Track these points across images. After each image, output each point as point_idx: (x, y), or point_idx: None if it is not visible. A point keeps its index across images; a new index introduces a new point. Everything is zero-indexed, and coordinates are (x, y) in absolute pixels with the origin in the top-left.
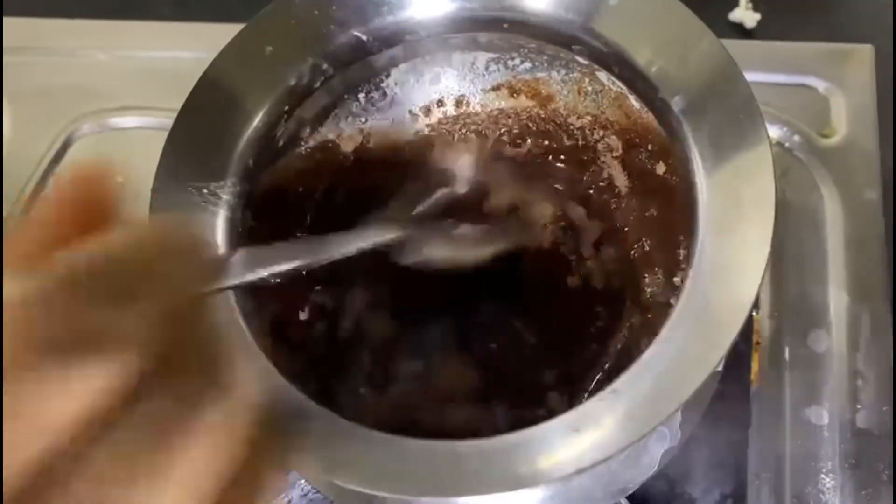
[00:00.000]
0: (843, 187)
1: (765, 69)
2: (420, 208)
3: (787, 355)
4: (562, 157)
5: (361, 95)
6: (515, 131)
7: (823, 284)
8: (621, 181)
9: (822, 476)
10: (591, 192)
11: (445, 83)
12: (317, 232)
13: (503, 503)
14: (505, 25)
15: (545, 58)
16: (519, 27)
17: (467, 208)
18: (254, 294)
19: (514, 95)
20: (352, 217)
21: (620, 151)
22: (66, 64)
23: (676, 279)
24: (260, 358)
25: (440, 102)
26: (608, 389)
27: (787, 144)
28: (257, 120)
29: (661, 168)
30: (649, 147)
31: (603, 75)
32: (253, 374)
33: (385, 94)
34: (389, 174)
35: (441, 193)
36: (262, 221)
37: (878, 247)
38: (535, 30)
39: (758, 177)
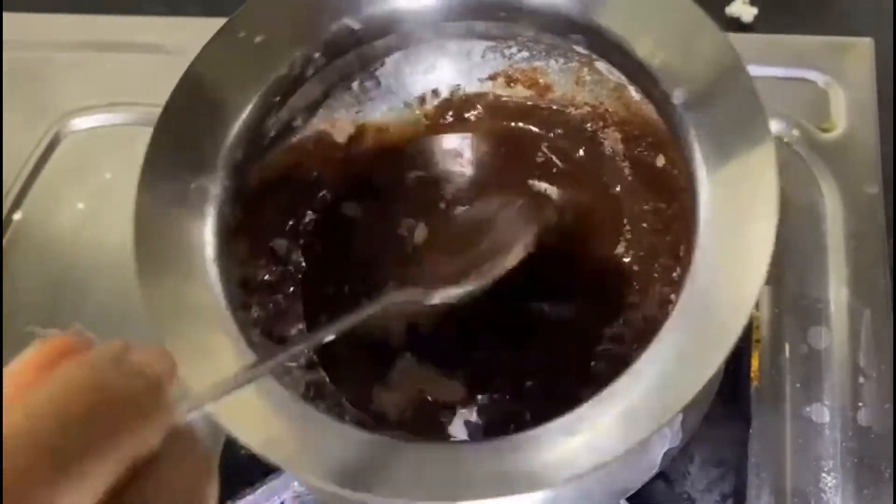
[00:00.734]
0: (843, 181)
1: (763, 63)
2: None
3: (787, 353)
4: (560, 147)
5: (355, 85)
6: (511, 121)
7: (823, 280)
8: (621, 174)
9: (824, 474)
10: (589, 185)
11: (440, 72)
12: (307, 223)
13: None
14: (502, 14)
15: (543, 47)
16: (516, 15)
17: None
18: (246, 292)
19: (511, 84)
20: (343, 209)
21: (620, 144)
22: (55, 60)
23: (676, 276)
24: (251, 355)
25: (435, 92)
26: (608, 391)
27: (786, 139)
28: (246, 111)
29: (661, 161)
30: (649, 140)
31: (602, 65)
32: None
33: (379, 83)
34: (382, 165)
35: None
36: (251, 214)
37: (878, 241)
38: (533, 18)
39: (761, 173)
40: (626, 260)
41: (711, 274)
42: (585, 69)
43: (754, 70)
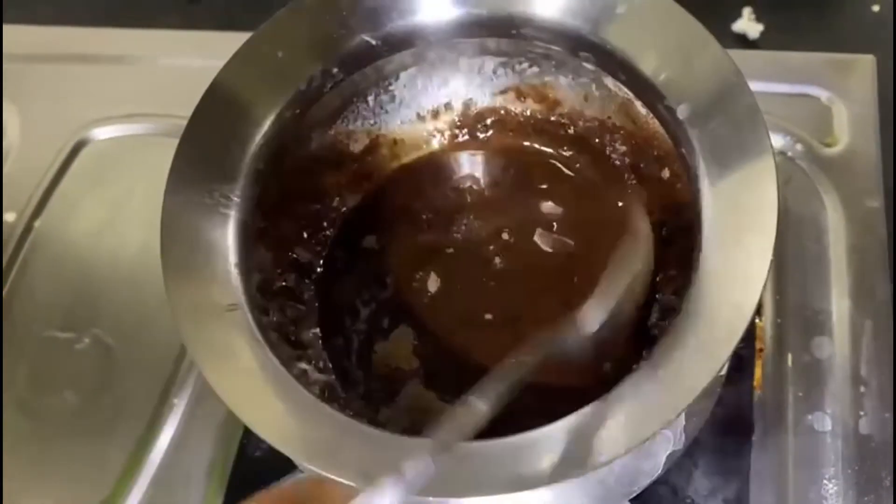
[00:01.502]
0: (846, 195)
1: (767, 79)
2: None
3: (789, 362)
4: (566, 157)
5: (371, 98)
6: (521, 134)
7: (826, 292)
8: (625, 185)
9: (825, 482)
10: (595, 194)
11: (453, 86)
12: (324, 231)
13: None
14: (513, 31)
15: (552, 63)
16: (527, 33)
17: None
18: (265, 296)
19: (522, 99)
20: (360, 217)
21: (626, 157)
22: (76, 71)
23: (680, 285)
24: (269, 356)
25: (448, 105)
26: (611, 393)
27: (789, 153)
28: (268, 123)
29: (665, 174)
30: (656, 153)
31: (609, 81)
32: None
33: (394, 97)
34: (399, 175)
35: None
36: (271, 223)
37: (879, 254)
38: (543, 35)
39: (761, 186)
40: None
41: (713, 283)
42: (593, 85)
43: (759, 86)
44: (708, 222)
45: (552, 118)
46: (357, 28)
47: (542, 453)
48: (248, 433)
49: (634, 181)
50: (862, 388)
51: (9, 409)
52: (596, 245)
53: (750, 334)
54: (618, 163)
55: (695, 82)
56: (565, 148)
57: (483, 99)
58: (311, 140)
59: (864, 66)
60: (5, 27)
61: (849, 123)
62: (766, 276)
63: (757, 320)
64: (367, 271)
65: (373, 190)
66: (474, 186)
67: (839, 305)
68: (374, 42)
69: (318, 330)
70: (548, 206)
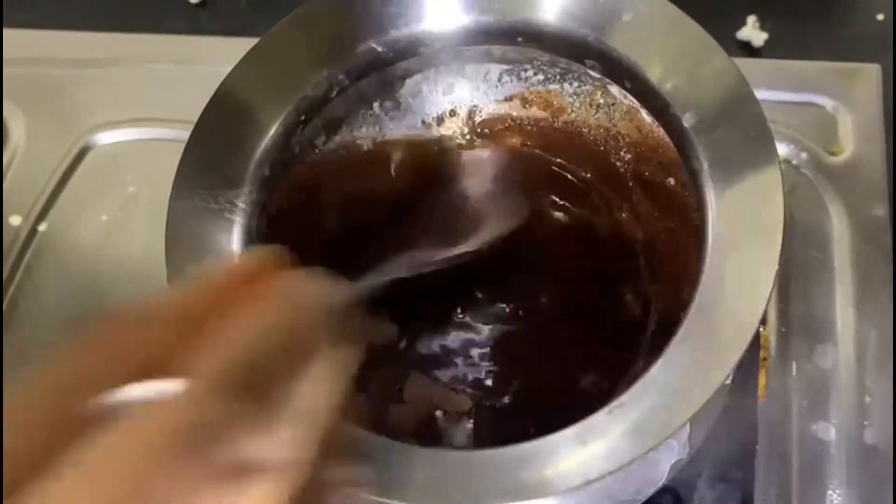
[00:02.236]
0: (850, 204)
1: (772, 87)
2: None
3: (794, 371)
4: (570, 164)
5: (376, 105)
6: (526, 141)
7: (830, 301)
8: (630, 195)
9: (829, 492)
10: (598, 203)
11: (458, 93)
12: (330, 240)
13: None
14: (519, 39)
15: (558, 70)
16: (533, 40)
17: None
18: None
19: (526, 106)
20: (364, 225)
21: (631, 165)
22: (82, 76)
23: (685, 293)
24: None
25: (453, 112)
26: (616, 402)
27: (794, 161)
28: (273, 129)
29: (670, 182)
30: (661, 161)
31: (615, 89)
32: None
33: (399, 103)
34: (402, 182)
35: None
36: (276, 229)
37: (884, 263)
38: (549, 43)
39: (767, 195)
40: (636, 275)
41: (718, 291)
42: (599, 93)
43: (764, 94)
44: (713, 231)
45: (557, 125)
46: (364, 35)
47: (546, 462)
48: None
49: (639, 189)
50: (867, 398)
51: None
52: (598, 248)
53: (754, 343)
54: (622, 170)
55: (701, 91)
56: (569, 155)
57: (488, 106)
58: (316, 146)
59: (869, 74)
60: (12, 31)
61: (854, 132)
62: (771, 286)
63: (761, 329)
64: (370, 278)
65: (377, 196)
66: (478, 192)
67: (844, 314)
68: (380, 49)
69: None
70: (552, 212)
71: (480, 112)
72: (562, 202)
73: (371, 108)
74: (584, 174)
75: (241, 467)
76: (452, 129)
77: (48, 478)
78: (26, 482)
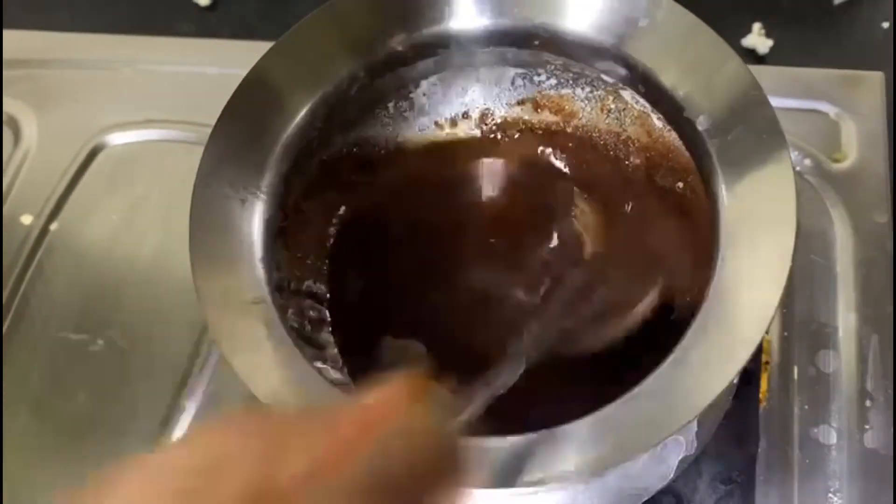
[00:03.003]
0: (853, 211)
1: (777, 94)
2: None
3: (795, 375)
4: (581, 167)
5: (391, 105)
6: (537, 144)
7: (832, 306)
8: (643, 197)
9: (830, 495)
10: (611, 204)
11: (472, 96)
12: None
13: None
14: (536, 43)
15: (571, 75)
16: (549, 45)
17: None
18: (283, 294)
19: (539, 110)
20: (375, 224)
21: (641, 169)
22: (93, 77)
23: (696, 292)
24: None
25: (465, 115)
26: (626, 397)
27: (797, 168)
28: (294, 124)
29: (682, 186)
30: (671, 165)
31: (627, 94)
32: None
33: (413, 104)
34: (414, 182)
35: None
36: (292, 223)
37: (886, 269)
38: (566, 48)
39: (779, 198)
40: (648, 274)
41: (730, 292)
42: (611, 97)
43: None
44: (725, 232)
45: (568, 129)
46: (385, 34)
47: (556, 453)
48: None
49: (648, 192)
50: (868, 402)
51: (22, 410)
52: (609, 252)
53: (757, 347)
54: (633, 174)
55: (715, 95)
56: (580, 159)
57: (500, 109)
58: (333, 143)
59: (873, 82)
60: (24, 33)
61: (857, 139)
62: (784, 287)
63: (764, 333)
64: (379, 276)
65: (388, 196)
66: (489, 195)
67: (846, 319)
68: (400, 48)
69: (333, 331)
70: (562, 216)
71: (493, 115)
72: (572, 204)
73: (386, 108)
74: (593, 178)
75: None
76: (464, 131)
77: None
78: None
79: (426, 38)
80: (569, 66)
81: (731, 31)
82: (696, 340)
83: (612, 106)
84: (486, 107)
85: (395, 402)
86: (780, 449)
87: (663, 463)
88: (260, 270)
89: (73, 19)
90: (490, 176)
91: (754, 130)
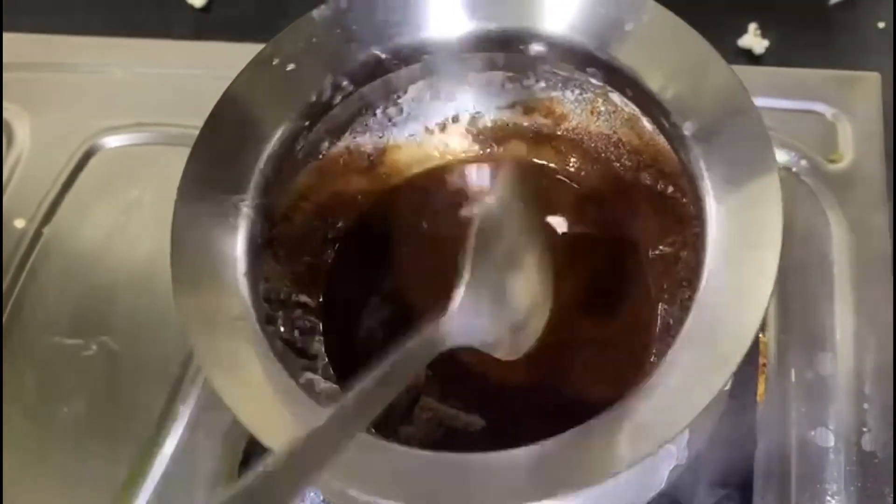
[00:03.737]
0: (850, 212)
1: (773, 95)
2: None
3: (793, 377)
4: (572, 171)
5: (379, 111)
6: (528, 148)
7: (830, 308)
8: (633, 201)
9: (828, 498)
10: (599, 209)
11: (461, 100)
12: (330, 243)
13: None
14: (522, 46)
15: (560, 78)
16: (536, 48)
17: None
18: (272, 306)
19: (528, 113)
20: (365, 232)
21: (632, 172)
22: (87, 80)
23: (684, 300)
24: (277, 366)
25: (455, 119)
26: (616, 407)
27: (794, 169)
28: (277, 135)
29: (669, 190)
30: (660, 169)
31: (616, 97)
32: None
33: (401, 110)
34: (405, 188)
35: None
36: (279, 234)
37: (883, 271)
38: (552, 51)
39: (766, 203)
40: (636, 281)
41: (718, 298)
42: (600, 100)
43: (764, 101)
44: (712, 239)
45: (559, 132)
46: (367, 41)
47: (542, 467)
48: (252, 442)
49: (639, 196)
50: (865, 405)
51: (15, 416)
52: (600, 255)
53: (753, 349)
54: (624, 177)
55: (701, 99)
56: (571, 162)
57: (490, 113)
58: (320, 152)
59: (870, 82)
60: (18, 36)
61: (853, 140)
62: (770, 294)
63: (760, 335)
64: (373, 284)
65: (379, 203)
66: (480, 200)
67: (843, 321)
68: (383, 55)
69: (324, 340)
70: (554, 219)
71: (483, 119)
72: (563, 210)
73: (374, 114)
74: (585, 181)
75: None
76: (455, 135)
77: None
78: None
79: (410, 44)
80: (557, 70)
81: (727, 32)
82: (684, 351)
83: (602, 109)
84: (475, 111)
85: None
86: (778, 451)
87: (654, 473)
88: (244, 285)
89: (67, 22)
90: (481, 179)
91: (741, 136)
